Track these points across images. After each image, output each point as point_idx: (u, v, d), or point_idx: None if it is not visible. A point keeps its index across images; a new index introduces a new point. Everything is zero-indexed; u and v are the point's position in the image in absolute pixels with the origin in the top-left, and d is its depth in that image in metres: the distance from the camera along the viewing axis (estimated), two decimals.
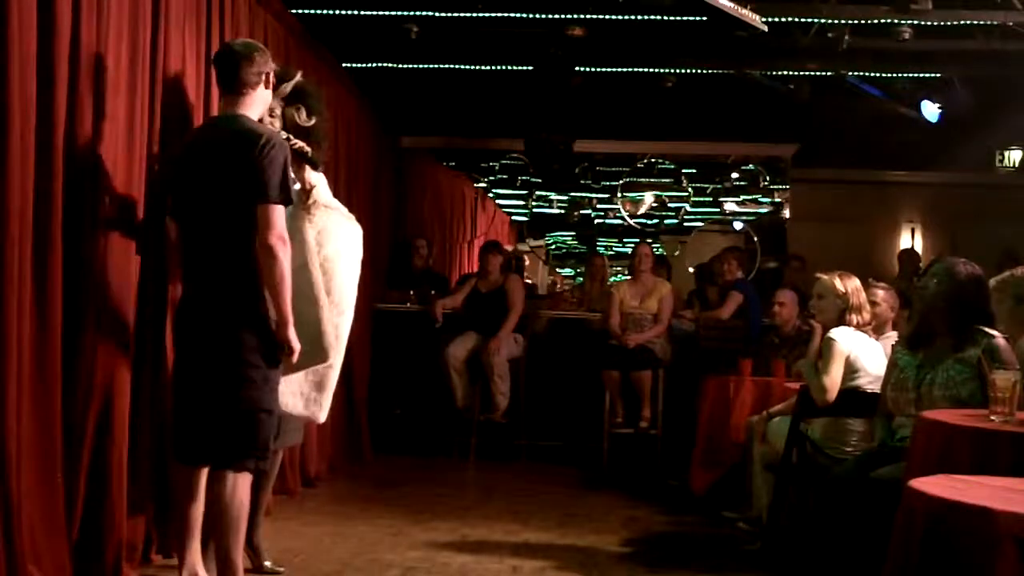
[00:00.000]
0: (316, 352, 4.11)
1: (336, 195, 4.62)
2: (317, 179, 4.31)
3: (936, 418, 3.46)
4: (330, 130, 4.63)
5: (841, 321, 5.00)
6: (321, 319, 4.11)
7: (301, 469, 6.16)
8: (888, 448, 4.17)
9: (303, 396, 4.30)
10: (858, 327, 4.98)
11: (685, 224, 11.19)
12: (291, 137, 4.18)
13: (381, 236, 8.34)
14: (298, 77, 4.36)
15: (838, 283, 5.06)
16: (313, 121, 4.37)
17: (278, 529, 5.11)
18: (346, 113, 7.06)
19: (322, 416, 4.45)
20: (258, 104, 3.84)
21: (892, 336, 5.17)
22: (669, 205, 11.15)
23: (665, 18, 7.22)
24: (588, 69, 8.70)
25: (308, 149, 4.21)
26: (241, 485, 3.69)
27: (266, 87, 3.85)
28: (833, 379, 4.80)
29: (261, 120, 3.91)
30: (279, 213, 3.62)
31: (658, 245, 10.49)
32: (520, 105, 9.67)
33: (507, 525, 5.53)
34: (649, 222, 11.18)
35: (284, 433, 4.40)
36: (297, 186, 4.22)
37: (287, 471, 5.68)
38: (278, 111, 4.30)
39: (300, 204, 4.21)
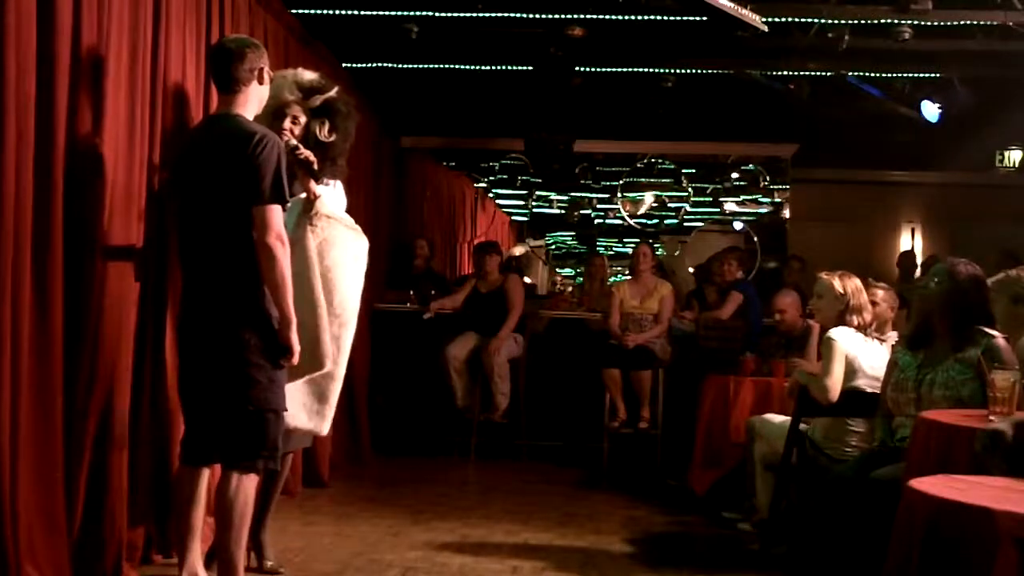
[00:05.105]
0: (313, 360, 4.06)
1: None
2: (324, 190, 4.29)
3: (936, 418, 3.47)
4: (351, 148, 4.62)
5: (840, 321, 5.01)
6: (319, 327, 4.08)
7: (302, 469, 6.15)
8: (888, 448, 4.17)
9: (306, 408, 4.27)
10: (858, 328, 4.98)
11: (685, 224, 11.18)
12: (300, 147, 4.16)
13: (381, 236, 8.32)
14: (332, 93, 4.37)
15: (837, 283, 5.08)
16: (333, 138, 4.36)
17: (278, 529, 5.10)
18: None
19: (325, 428, 4.43)
20: (253, 101, 3.81)
21: (892, 336, 5.17)
22: (669, 205, 11.15)
23: (665, 18, 7.21)
24: (588, 69, 8.70)
25: (314, 161, 4.18)
26: (246, 485, 3.69)
27: (260, 83, 3.81)
28: (835, 378, 4.81)
29: (258, 117, 3.88)
30: (275, 213, 3.61)
31: (658, 245, 10.47)
32: (520, 105, 9.68)
33: (507, 525, 5.53)
34: (649, 222, 11.18)
35: (294, 436, 4.40)
36: (303, 195, 4.22)
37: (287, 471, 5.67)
38: (302, 119, 4.30)
39: (303, 213, 4.20)
